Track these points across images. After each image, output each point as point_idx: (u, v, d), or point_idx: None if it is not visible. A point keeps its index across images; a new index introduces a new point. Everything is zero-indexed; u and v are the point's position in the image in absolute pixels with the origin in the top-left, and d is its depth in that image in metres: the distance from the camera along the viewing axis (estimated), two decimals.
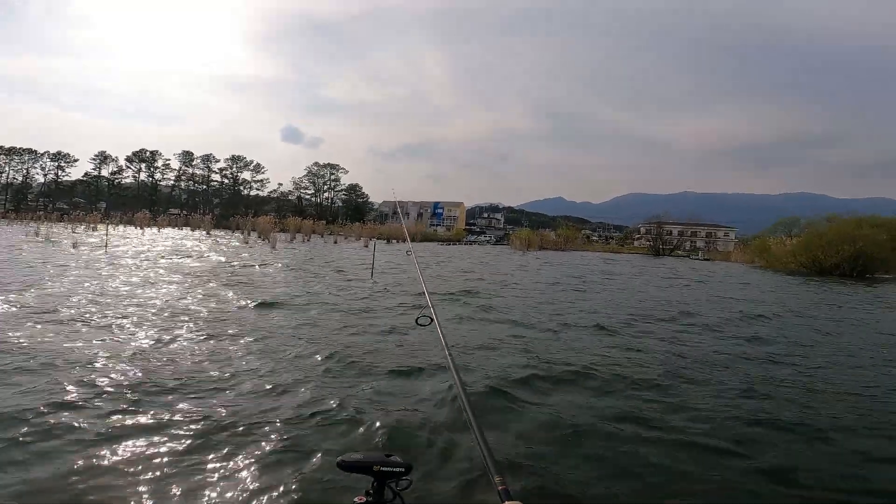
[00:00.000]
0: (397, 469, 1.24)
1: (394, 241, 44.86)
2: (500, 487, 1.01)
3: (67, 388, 3.68)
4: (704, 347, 6.59)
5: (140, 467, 2.65)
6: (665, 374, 5.09)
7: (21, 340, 4.87)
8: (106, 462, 2.69)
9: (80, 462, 2.68)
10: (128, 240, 25.41)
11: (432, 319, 1.90)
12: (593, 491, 2.73)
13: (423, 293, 2.21)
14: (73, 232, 29.73)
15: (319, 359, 4.94)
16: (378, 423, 3.30)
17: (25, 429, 2.99)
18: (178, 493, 2.44)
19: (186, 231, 42.92)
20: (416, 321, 2.00)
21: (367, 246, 30.58)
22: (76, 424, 3.12)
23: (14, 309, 6.37)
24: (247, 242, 29.78)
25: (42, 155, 77.65)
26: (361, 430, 3.24)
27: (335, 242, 37.94)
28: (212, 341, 5.37)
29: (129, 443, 2.91)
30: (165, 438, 2.99)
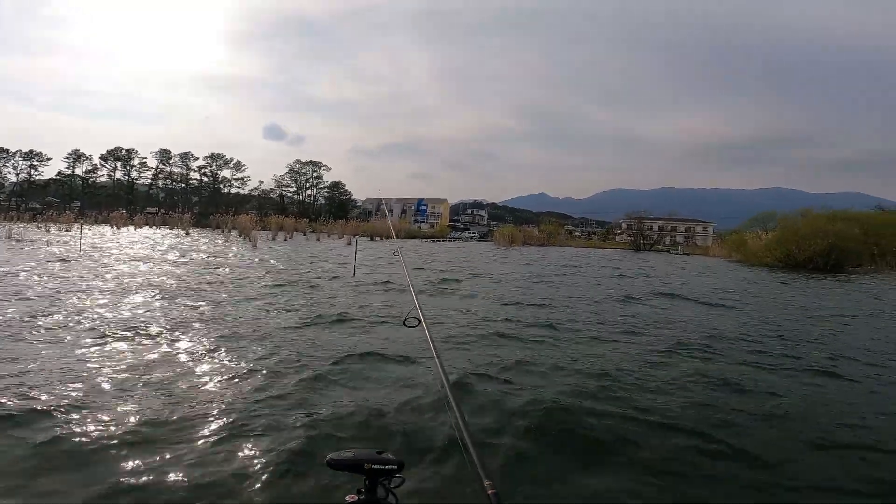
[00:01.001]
0: (389, 466, 1.21)
1: (377, 238, 44.66)
2: (490, 491, 0.99)
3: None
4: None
5: (130, 465, 2.63)
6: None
7: None
8: (95, 461, 2.67)
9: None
10: (96, 240, 24.82)
11: (420, 321, 1.90)
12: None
13: (412, 295, 2.23)
14: (47, 231, 28.93)
15: (304, 357, 4.93)
16: (367, 421, 3.32)
17: None
18: (165, 491, 2.43)
19: (165, 230, 42.09)
20: (404, 322, 2.00)
21: (349, 243, 30.38)
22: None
23: None
24: (227, 241, 29.34)
25: (14, 154, 75.24)
26: (351, 428, 3.26)
27: (318, 240, 37.61)
28: (195, 342, 5.32)
29: (116, 441, 2.88)
30: (152, 438, 2.96)
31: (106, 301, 7.50)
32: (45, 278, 9.65)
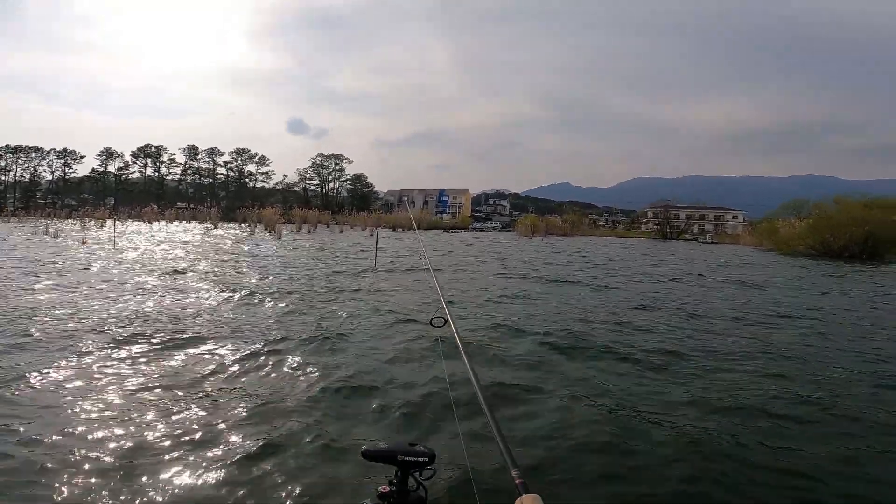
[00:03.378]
0: (421, 458, 1.25)
1: (399, 229, 44.94)
2: (517, 481, 1.02)
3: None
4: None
5: (164, 457, 2.78)
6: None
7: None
8: (128, 460, 2.82)
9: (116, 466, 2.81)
10: (134, 236, 25.62)
11: (447, 321, 1.92)
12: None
13: (439, 296, 2.27)
14: (85, 229, 30.05)
15: (340, 351, 5.06)
16: (399, 413, 3.42)
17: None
18: (202, 484, 2.57)
19: (194, 224, 43.23)
20: (430, 322, 2.04)
21: (371, 235, 30.70)
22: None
23: None
24: (253, 234, 29.97)
25: (48, 153, 77.97)
26: (384, 420, 3.36)
27: (341, 232, 38.09)
28: (227, 334, 5.51)
29: (150, 434, 3.04)
30: (180, 431, 3.11)
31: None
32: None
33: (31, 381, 3.83)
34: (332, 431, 3.20)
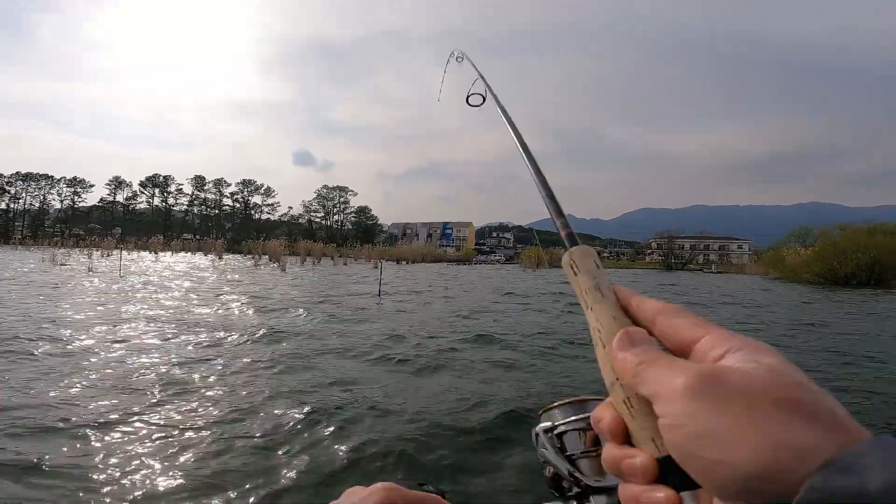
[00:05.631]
0: None
1: (403, 262, 45.08)
2: (563, 232, 0.83)
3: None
4: None
5: (165, 478, 2.67)
6: None
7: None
8: (145, 464, 2.72)
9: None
10: (141, 265, 25.76)
11: (484, 98, 1.66)
12: None
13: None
14: (90, 258, 30.26)
15: (344, 384, 4.95)
16: (406, 451, 3.30)
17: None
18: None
19: (199, 256, 43.46)
20: (467, 100, 1.74)
21: (376, 267, 30.75)
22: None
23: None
24: (257, 266, 30.09)
25: (59, 181, 79.49)
26: (391, 458, 3.24)
27: (345, 264, 38.17)
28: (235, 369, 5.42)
29: (172, 453, 2.93)
30: (179, 459, 3.00)
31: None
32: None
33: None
34: (338, 469, 3.08)
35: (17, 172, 78.05)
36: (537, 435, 0.45)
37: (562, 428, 0.44)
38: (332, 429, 3.43)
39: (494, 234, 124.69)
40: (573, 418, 0.44)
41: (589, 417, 0.36)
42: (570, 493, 0.43)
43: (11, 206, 78.03)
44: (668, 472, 0.26)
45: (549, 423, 0.45)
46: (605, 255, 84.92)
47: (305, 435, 3.33)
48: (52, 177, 79.38)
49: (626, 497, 0.27)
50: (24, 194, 78.75)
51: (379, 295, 13.24)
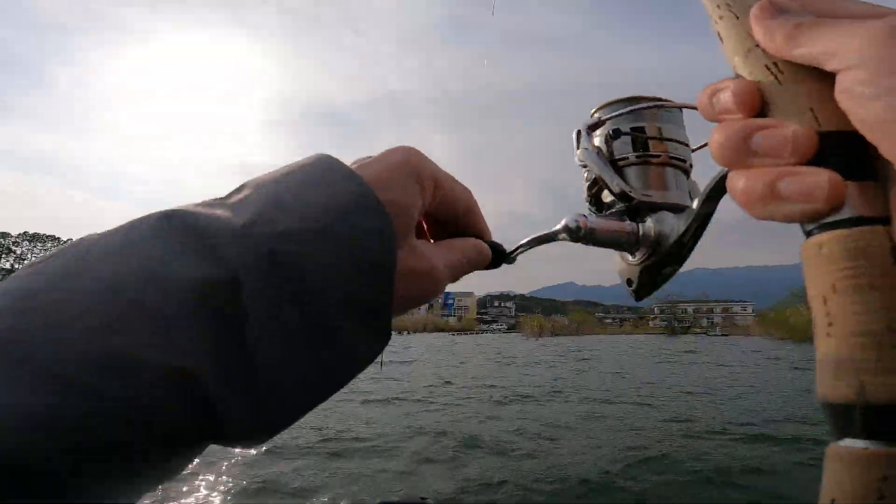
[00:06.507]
0: None
1: (405, 332, 44.72)
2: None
3: None
4: None
5: None
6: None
7: None
8: None
9: None
10: None
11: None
12: None
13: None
14: None
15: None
16: (411, 469, 3.30)
17: None
18: None
19: None
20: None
21: None
22: None
23: None
24: None
25: (65, 242, 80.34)
26: (398, 474, 3.24)
27: None
28: None
29: None
30: None
31: None
32: None
33: None
34: (344, 486, 3.07)
35: (24, 233, 78.48)
36: (579, 132, 0.37)
37: (611, 126, 0.36)
38: None
39: (496, 304, 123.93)
40: (626, 110, 0.36)
41: (645, 114, 0.31)
42: (611, 210, 0.38)
43: (16, 266, 78.49)
44: (832, 152, 0.18)
45: (597, 117, 0.37)
46: (609, 320, 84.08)
47: None
48: (58, 238, 79.94)
49: (751, 183, 0.19)
50: (29, 255, 79.19)
51: (381, 367, 13.13)
